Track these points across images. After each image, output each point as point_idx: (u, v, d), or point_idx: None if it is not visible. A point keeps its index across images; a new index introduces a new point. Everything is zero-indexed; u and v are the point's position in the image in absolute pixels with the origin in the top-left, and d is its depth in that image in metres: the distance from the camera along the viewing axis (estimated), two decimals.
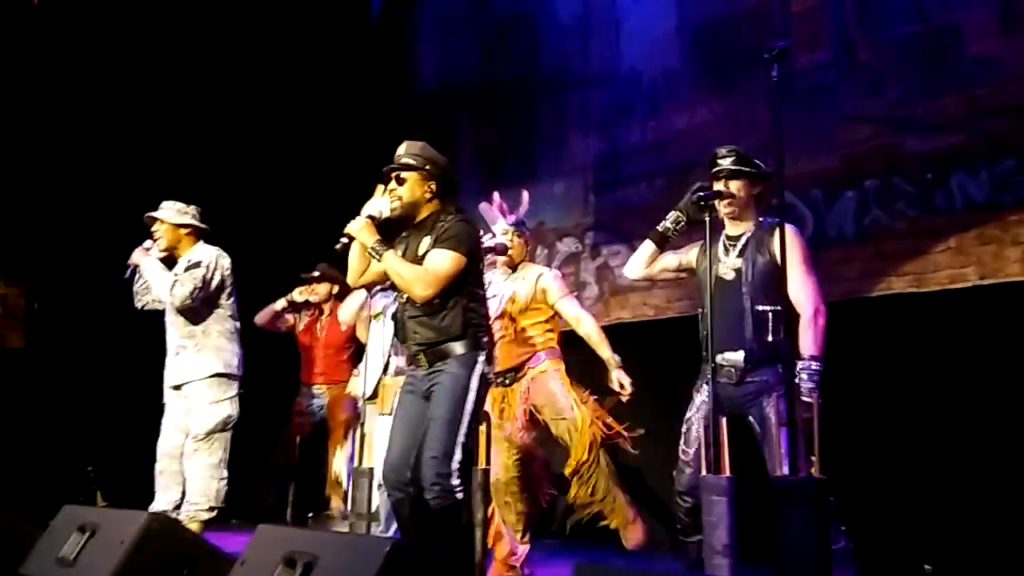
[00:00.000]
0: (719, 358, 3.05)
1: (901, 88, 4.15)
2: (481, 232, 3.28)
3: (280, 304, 4.84)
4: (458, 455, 2.76)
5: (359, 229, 2.93)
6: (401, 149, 3.02)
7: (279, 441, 4.85)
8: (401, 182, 2.97)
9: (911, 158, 4.07)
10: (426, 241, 2.92)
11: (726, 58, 4.84)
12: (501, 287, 3.86)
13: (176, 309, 3.94)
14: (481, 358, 2.87)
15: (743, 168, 3.09)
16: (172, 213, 4.08)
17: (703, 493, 2.74)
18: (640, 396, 4.64)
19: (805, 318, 2.95)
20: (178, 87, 6.01)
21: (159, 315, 4.12)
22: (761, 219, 3.11)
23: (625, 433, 3.70)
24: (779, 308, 2.90)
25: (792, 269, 2.92)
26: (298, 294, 4.84)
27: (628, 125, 5.30)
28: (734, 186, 3.10)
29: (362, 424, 3.71)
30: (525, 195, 3.94)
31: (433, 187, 2.98)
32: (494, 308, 3.80)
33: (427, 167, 2.97)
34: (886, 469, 3.89)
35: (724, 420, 2.95)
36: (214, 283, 3.97)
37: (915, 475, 3.83)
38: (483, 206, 3.94)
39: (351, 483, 3.57)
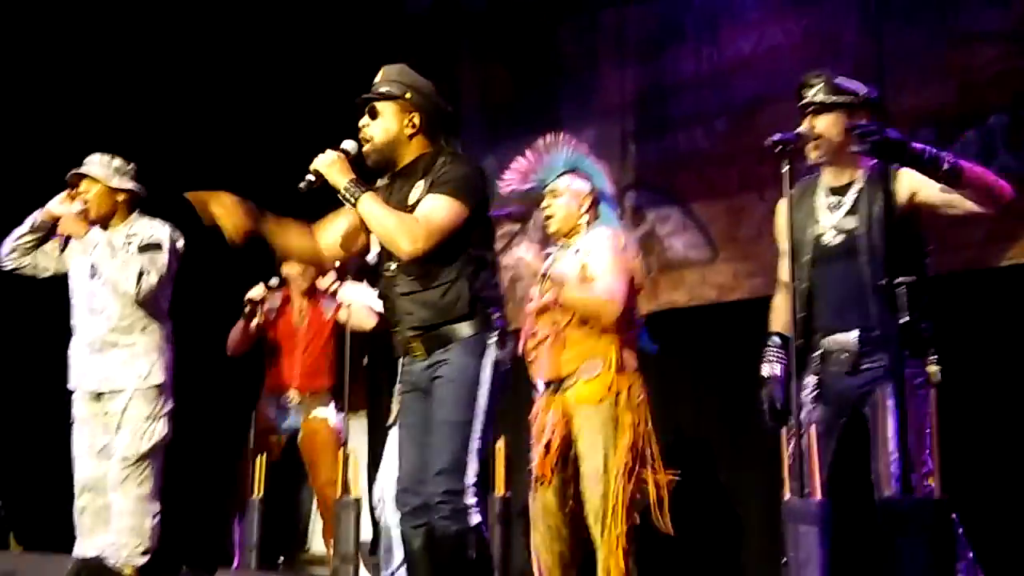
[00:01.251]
0: (827, 341, 3.05)
1: None
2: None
3: (242, 322, 4.82)
4: (473, 466, 2.77)
5: (328, 164, 2.87)
6: (378, 76, 3.01)
7: (239, 469, 4.85)
8: (374, 115, 2.95)
9: None
10: (419, 187, 2.89)
11: None
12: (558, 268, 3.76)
13: (136, 301, 3.96)
14: (492, 340, 2.85)
15: (831, 99, 3.07)
16: (110, 172, 4.06)
17: (787, 522, 2.74)
18: (702, 400, 4.63)
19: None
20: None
21: (62, 307, 4.10)
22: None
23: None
24: (915, 278, 2.88)
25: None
26: (258, 294, 4.82)
27: (678, 51, 5.25)
28: (822, 124, 3.07)
29: (344, 443, 3.70)
30: (557, 137, 3.88)
31: (416, 120, 2.95)
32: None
33: (407, 95, 2.94)
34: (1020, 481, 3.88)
35: (814, 428, 2.97)
36: (172, 269, 4.02)
37: None
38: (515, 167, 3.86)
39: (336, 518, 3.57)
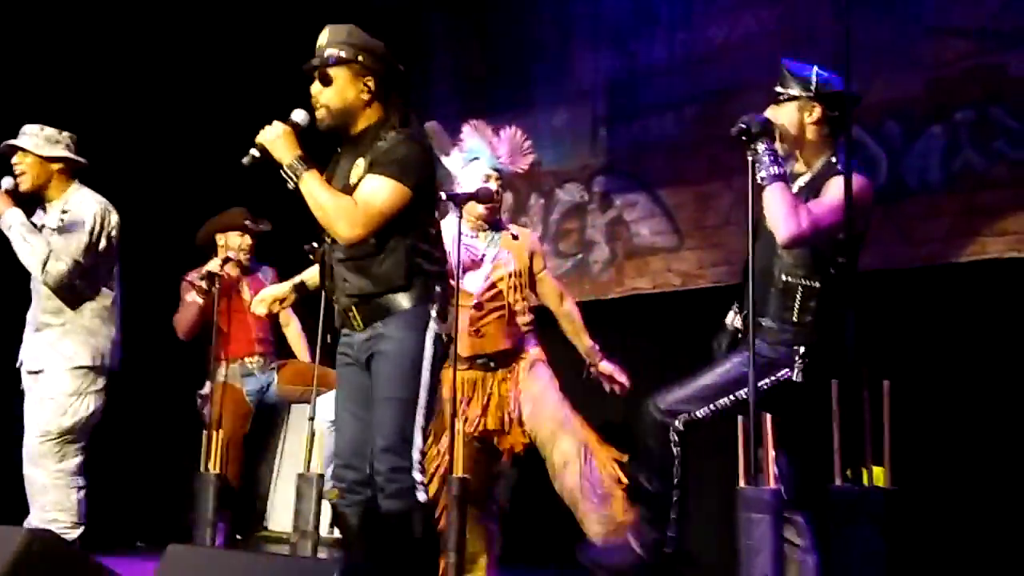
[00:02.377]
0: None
1: None
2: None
3: (192, 296, 4.80)
4: (418, 442, 2.75)
5: (274, 138, 2.78)
6: (322, 38, 2.87)
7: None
8: (327, 82, 2.83)
9: (1016, 84, 4.08)
10: (360, 164, 2.82)
11: None
12: (480, 248, 3.89)
13: (49, 288, 3.90)
14: (433, 312, 2.82)
15: (781, 92, 3.08)
16: (40, 142, 4.00)
17: (740, 510, 2.79)
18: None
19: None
20: None
21: (24, 273, 4.07)
22: (836, 158, 3.03)
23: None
24: (815, 284, 2.93)
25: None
26: (216, 267, 4.81)
27: (650, 37, 5.29)
28: (778, 114, 3.07)
29: (311, 418, 3.72)
30: (512, 131, 3.94)
31: (371, 84, 2.84)
32: (481, 277, 3.84)
33: (359, 57, 2.82)
34: (975, 476, 3.95)
35: (769, 416, 3.01)
36: (99, 248, 3.95)
37: (1015, 483, 3.88)
38: (434, 126, 3.90)
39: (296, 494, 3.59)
